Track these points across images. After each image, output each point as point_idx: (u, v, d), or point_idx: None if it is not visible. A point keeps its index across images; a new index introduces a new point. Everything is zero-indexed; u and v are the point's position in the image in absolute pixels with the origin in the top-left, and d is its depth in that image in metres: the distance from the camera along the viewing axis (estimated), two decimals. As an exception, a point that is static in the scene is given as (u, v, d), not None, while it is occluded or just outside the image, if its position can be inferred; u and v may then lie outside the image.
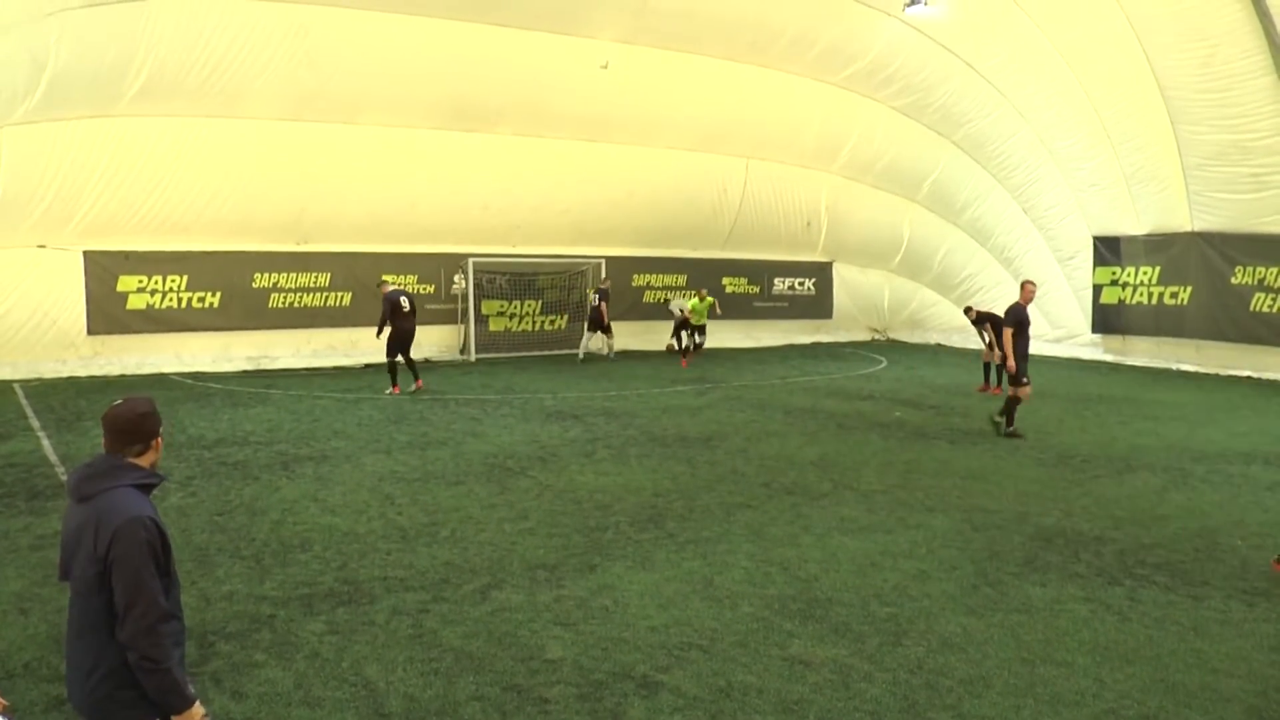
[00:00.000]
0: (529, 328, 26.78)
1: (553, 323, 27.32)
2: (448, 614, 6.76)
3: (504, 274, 26.13)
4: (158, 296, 22.33)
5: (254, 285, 23.51)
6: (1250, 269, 23.15)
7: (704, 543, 8.50)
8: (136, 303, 22.09)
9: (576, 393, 18.73)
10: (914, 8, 23.26)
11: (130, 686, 3.40)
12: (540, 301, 26.99)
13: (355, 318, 24.59)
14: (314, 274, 24.25)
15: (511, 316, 26.56)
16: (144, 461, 3.61)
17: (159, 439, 3.70)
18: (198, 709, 3.46)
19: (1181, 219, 24.32)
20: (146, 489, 3.57)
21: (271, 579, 7.48)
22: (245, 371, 21.69)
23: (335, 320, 24.50)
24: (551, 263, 26.94)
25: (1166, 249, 24.96)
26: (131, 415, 3.59)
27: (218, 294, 22.99)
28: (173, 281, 22.43)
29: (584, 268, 27.22)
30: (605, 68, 23.54)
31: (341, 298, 24.60)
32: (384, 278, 21.95)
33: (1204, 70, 21.47)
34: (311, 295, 24.17)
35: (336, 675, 5.78)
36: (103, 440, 3.63)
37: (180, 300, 22.54)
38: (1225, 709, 5.51)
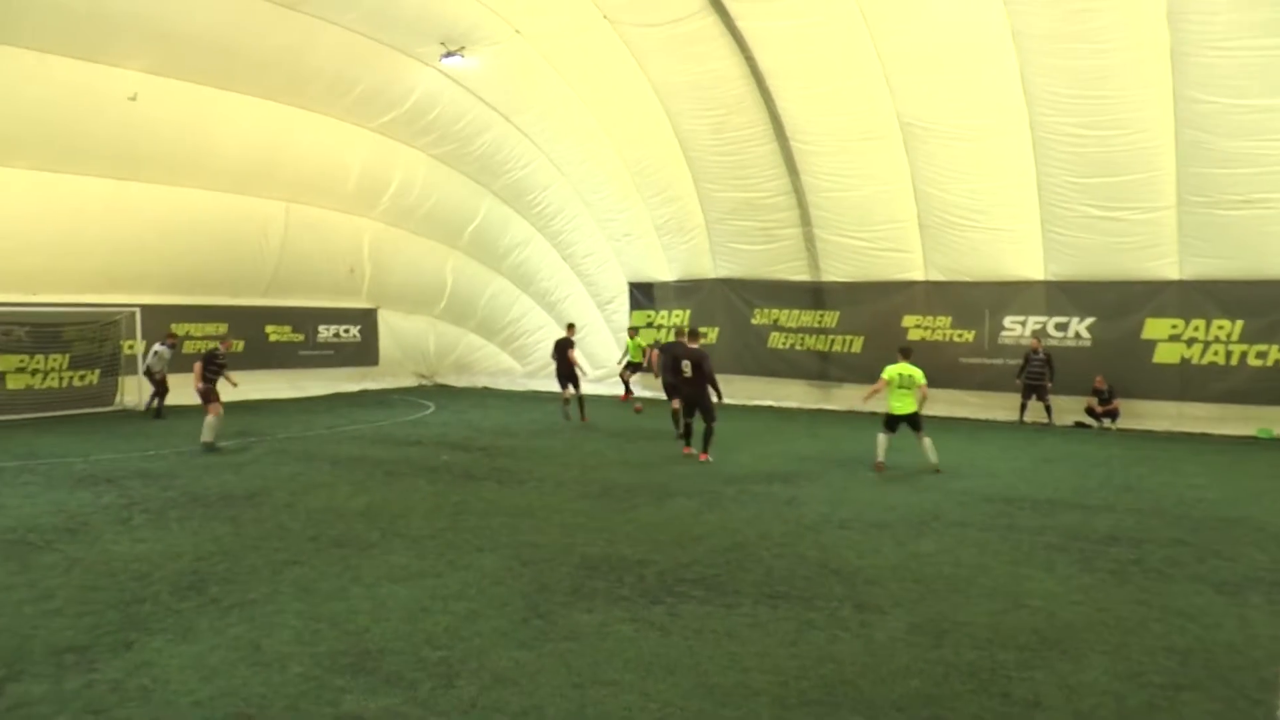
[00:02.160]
0: (55, 384, 24.50)
1: (83, 378, 25.14)
2: (-47, 716, 6.07)
3: (23, 325, 23.78)
4: None
5: None
6: (767, 311, 25.66)
7: (250, 605, 8.17)
8: None
9: (111, 454, 17.42)
10: (450, 59, 23.81)
11: None
12: (68, 355, 24.75)
13: None
14: None
15: (34, 373, 24.15)
16: None
17: None
18: None
19: (707, 266, 26.48)
20: None
21: None
22: None
23: None
24: (80, 312, 24.82)
25: (695, 293, 27.02)
26: None
27: None
28: None
29: (117, 317, 25.36)
30: (134, 99, 22.17)
31: None
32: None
33: (718, 135, 23.66)
34: None
35: None
36: None
37: None
38: (755, 702, 6.08)
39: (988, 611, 7.85)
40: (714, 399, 16.46)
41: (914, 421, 15.20)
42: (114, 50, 21.47)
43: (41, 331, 24.04)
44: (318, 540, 10.54)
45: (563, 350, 21.47)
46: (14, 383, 23.52)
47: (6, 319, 23.24)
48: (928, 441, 15.12)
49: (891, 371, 15.23)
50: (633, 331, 26.50)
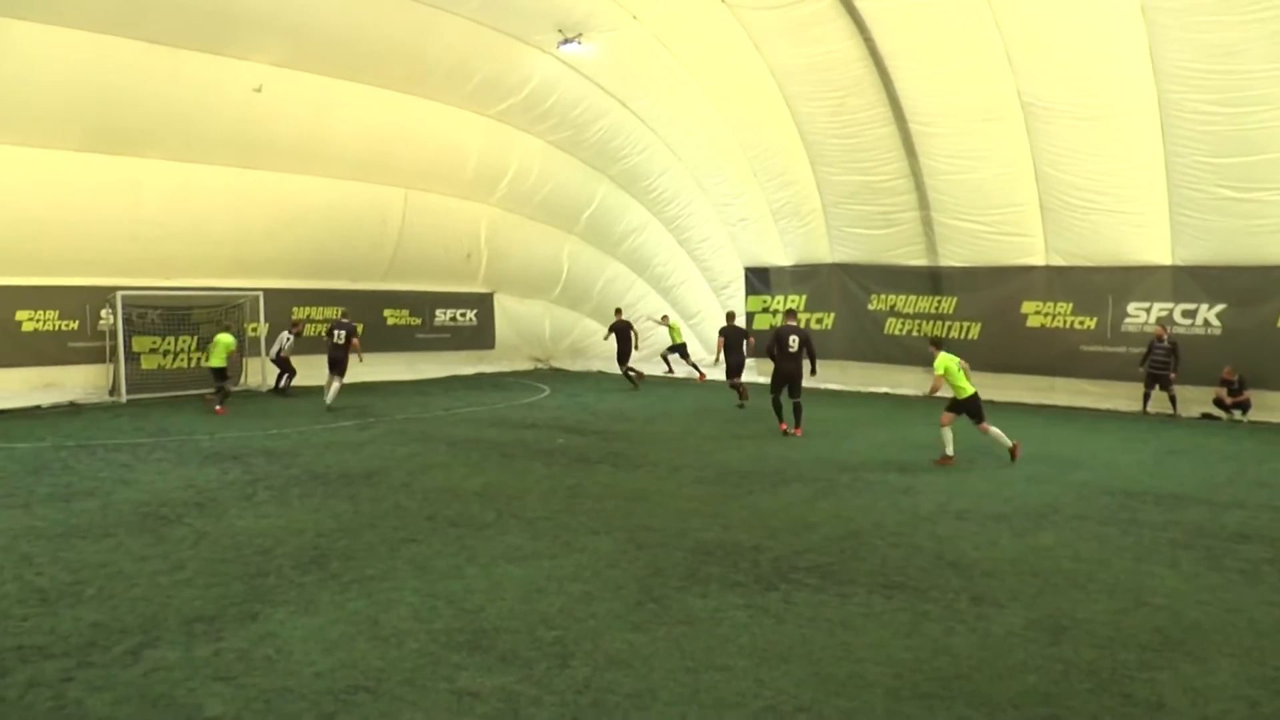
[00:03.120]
0: (184, 365, 25.36)
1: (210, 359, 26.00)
2: (94, 680, 6.29)
3: (156, 308, 24.66)
4: None
5: None
6: (883, 296, 25.32)
7: (369, 581, 8.36)
8: None
9: (236, 433, 17.96)
10: (568, 45, 23.95)
11: None
12: (196, 337, 25.61)
13: (-18, 357, 22.62)
14: (-67, 311, 22.09)
15: (165, 354, 25.07)
16: None
17: None
18: None
19: (823, 251, 26.22)
20: None
21: (-123, 659, 6.72)
22: None
23: (-41, 362, 22.41)
24: (207, 296, 25.67)
25: (811, 279, 26.80)
26: None
27: None
28: None
29: (241, 301, 26.16)
30: (259, 91, 22.83)
31: (-33, 337, 22.54)
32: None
33: (835, 118, 23.35)
34: (-63, 335, 22.02)
35: (-40, 761, 5.30)
36: None
37: None
38: (869, 693, 6.00)
39: (1108, 609, 7.65)
40: (809, 374, 17.80)
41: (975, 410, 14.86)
42: (241, 44, 22.10)
43: (172, 314, 24.94)
44: (434, 519, 10.73)
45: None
46: (147, 363, 24.43)
47: (141, 302, 24.13)
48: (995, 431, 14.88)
49: (948, 361, 14.92)
50: (664, 319, 29.47)
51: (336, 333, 21.49)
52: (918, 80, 21.52)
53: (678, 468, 14.07)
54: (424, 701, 5.91)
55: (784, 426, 17.58)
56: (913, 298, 25.00)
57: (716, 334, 22.90)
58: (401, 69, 24.72)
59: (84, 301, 23.86)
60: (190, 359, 25.41)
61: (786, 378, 17.69)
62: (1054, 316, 22.75)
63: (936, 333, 22.83)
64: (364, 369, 23.91)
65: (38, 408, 21.50)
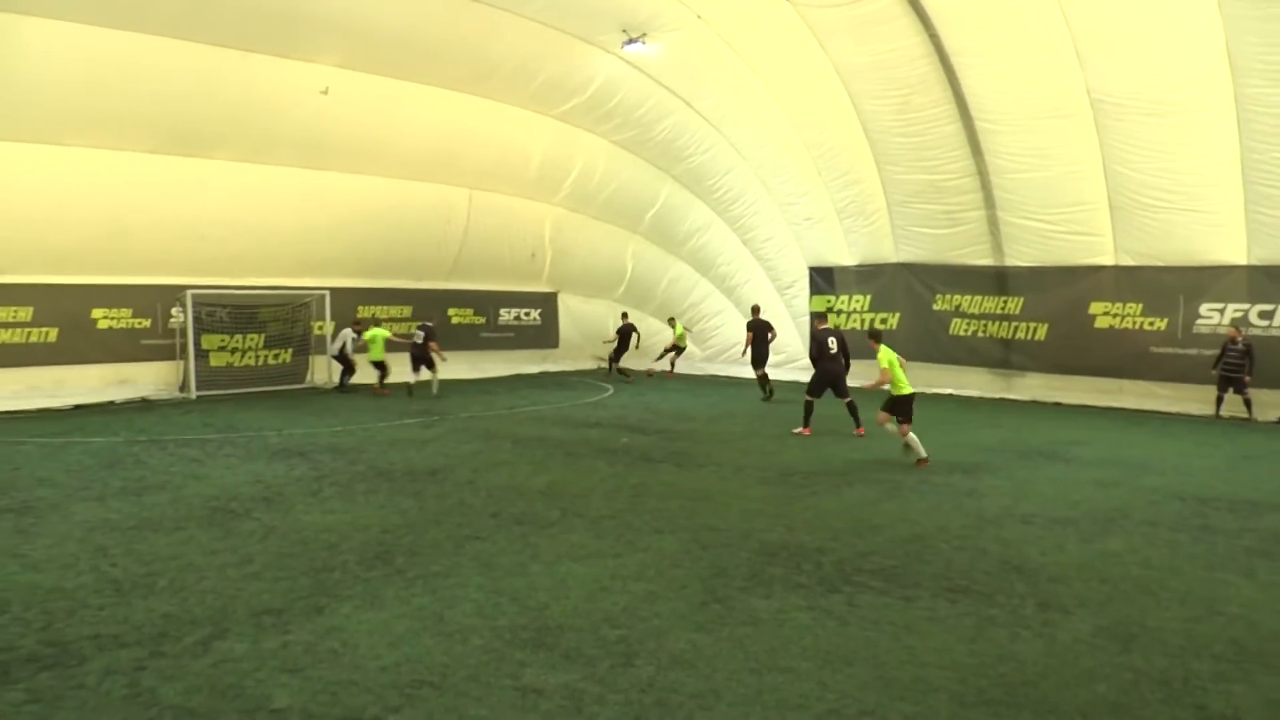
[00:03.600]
0: (252, 362, 25.79)
1: (277, 356, 26.42)
2: (166, 669, 6.41)
3: (225, 306, 25.09)
4: None
5: (-57, 320, 21.74)
6: (948, 297, 25.03)
7: (433, 577, 8.42)
8: None
9: (302, 429, 18.20)
10: (632, 45, 23.97)
11: None
12: (263, 335, 26.05)
13: (62, 355, 23.15)
14: (14, 308, 22.54)
15: (234, 351, 25.48)
16: None
17: None
18: None
19: (888, 251, 26.02)
20: None
21: (-40, 646, 6.91)
22: (-66, 417, 19.98)
23: (39, 358, 22.88)
24: (274, 295, 26.09)
25: (876, 278, 26.62)
26: None
27: (-105, 332, 21.12)
28: None
29: (308, 299, 26.52)
30: (326, 93, 23.13)
31: (46, 334, 23.02)
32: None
33: (900, 116, 23.16)
34: (10, 331, 22.50)
35: (40, 744, 5.42)
36: None
37: None
38: (933, 698, 5.94)
39: (1180, 617, 7.49)
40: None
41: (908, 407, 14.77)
42: (308, 47, 22.43)
43: (240, 313, 25.35)
44: (499, 517, 10.78)
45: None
46: (216, 360, 24.82)
47: (210, 301, 24.55)
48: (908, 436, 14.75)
49: (892, 355, 15.00)
50: (671, 320, 30.92)
51: (417, 333, 24.34)
52: (984, 77, 21.30)
53: (741, 468, 14.04)
54: (488, 698, 5.95)
55: (806, 430, 17.62)
56: (978, 298, 24.73)
57: (745, 328, 24.84)
58: (465, 70, 24.89)
59: (155, 300, 24.38)
60: (258, 356, 25.81)
61: (830, 379, 18.03)
62: (1123, 317, 22.39)
63: (1003, 335, 22.63)
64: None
65: (111, 403, 21.96)
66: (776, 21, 22.60)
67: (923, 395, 23.67)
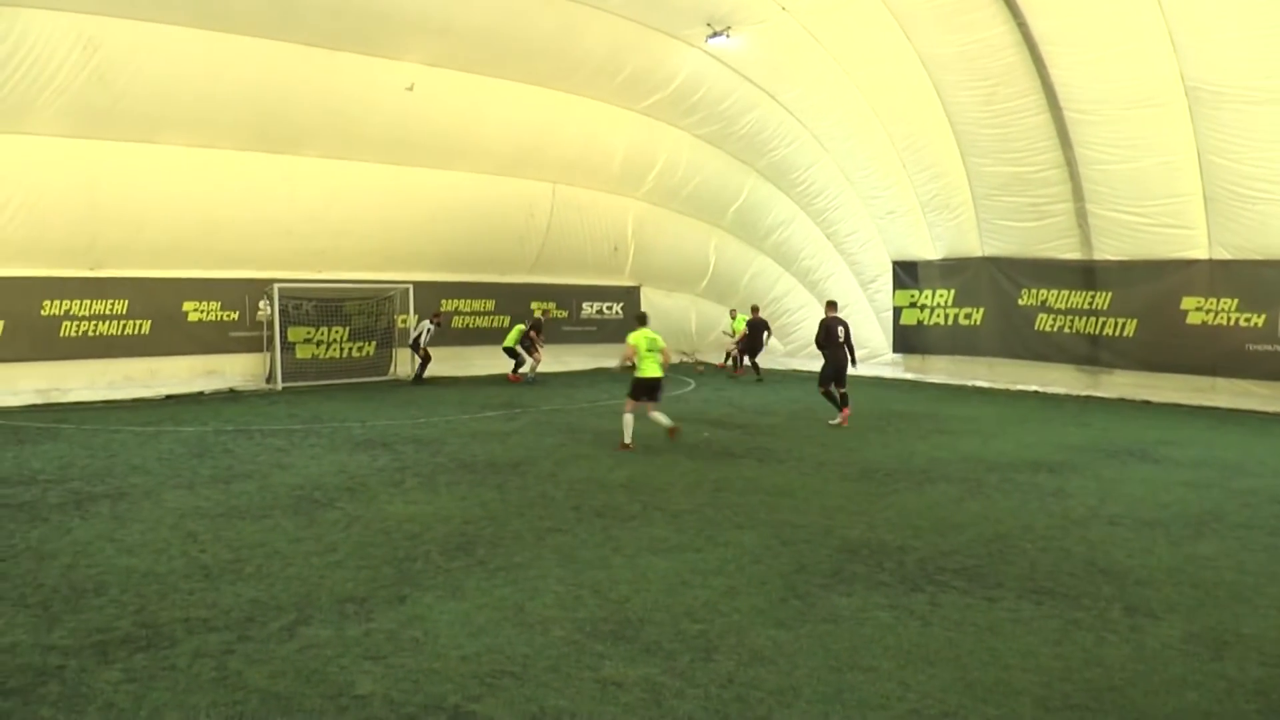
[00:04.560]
0: (336, 354, 26.20)
1: (361, 349, 26.80)
2: (253, 653, 6.54)
3: (310, 300, 25.51)
4: (-69, 326, 21.07)
5: (43, 313, 22.27)
6: (1034, 291, 24.57)
7: (515, 569, 8.48)
8: (-95, 332, 20.82)
9: (385, 420, 18.43)
10: (716, 39, 23.89)
11: None
12: (348, 328, 26.46)
13: (155, 347, 23.69)
14: (110, 301, 23.14)
15: (318, 343, 25.93)
16: None
17: None
18: None
19: (973, 244, 25.61)
20: None
21: (61, 627, 7.09)
22: (33, 405, 20.43)
23: (133, 349, 23.45)
24: (359, 288, 26.47)
25: (960, 273, 26.22)
26: None
27: (0, 323, 21.75)
28: (-51, 309, 21.21)
29: (391, 293, 26.86)
30: (411, 90, 23.38)
31: (140, 326, 23.59)
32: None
33: (987, 107, 22.76)
34: (107, 323, 23.07)
35: (134, 724, 5.55)
36: None
37: (-43, 329, 21.30)
38: (1016, 701, 5.82)
39: (1278, 625, 7.28)
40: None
41: (655, 390, 15.54)
42: (394, 45, 22.71)
43: (325, 306, 25.76)
44: (580, 510, 10.83)
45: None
46: (302, 353, 25.26)
47: (296, 294, 24.98)
48: (658, 415, 15.53)
49: (638, 337, 15.41)
50: (732, 312, 30.37)
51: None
52: (1073, 66, 20.85)
53: (822, 464, 13.94)
54: (568, 689, 5.97)
55: (844, 416, 18.11)
56: (1065, 292, 24.22)
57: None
58: (549, 65, 25.00)
59: (244, 293, 24.86)
60: (342, 349, 26.22)
61: (838, 366, 18.22)
62: (1217, 313, 21.76)
63: (1091, 331, 22.19)
64: (510, 362, 25.78)
65: (201, 394, 22.47)
66: (862, 12, 22.38)
67: (1006, 392, 23.53)
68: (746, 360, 28.06)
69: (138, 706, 5.75)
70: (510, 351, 26.59)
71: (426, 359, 25.99)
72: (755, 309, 29.28)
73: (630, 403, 15.34)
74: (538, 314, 29.30)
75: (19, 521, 10.27)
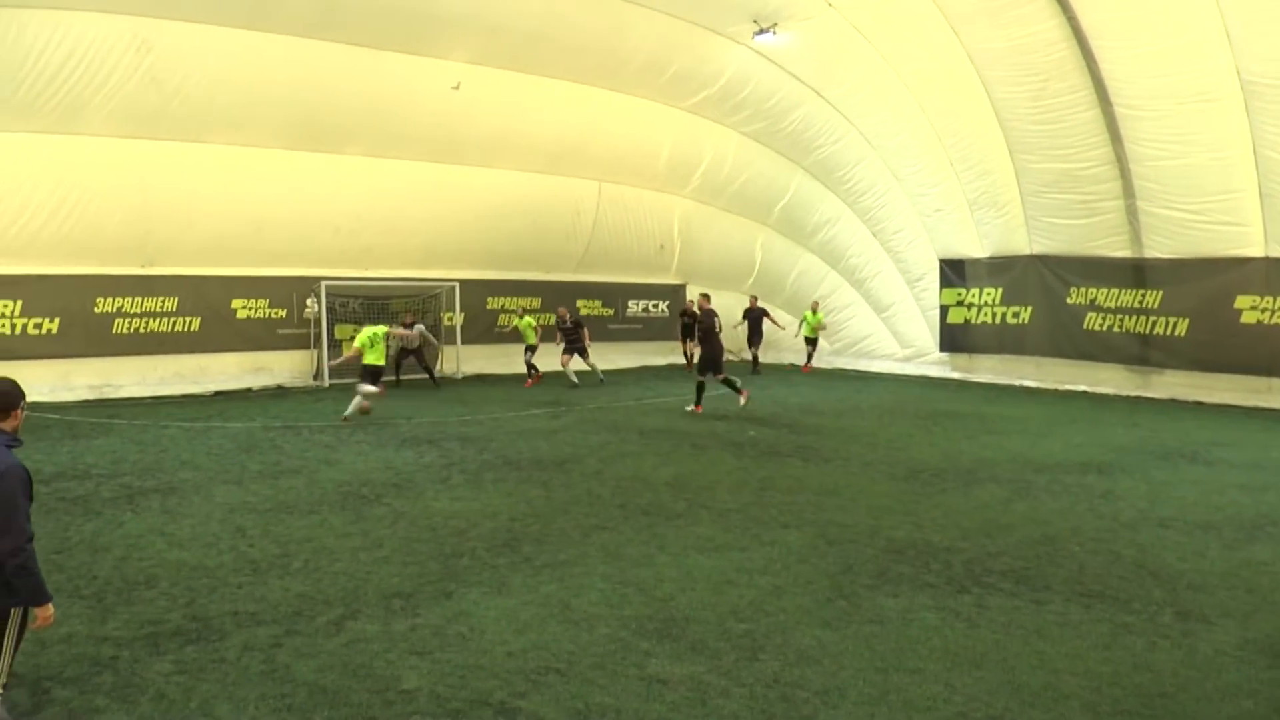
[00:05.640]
0: (383, 352, 26.36)
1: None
2: (301, 647, 6.61)
3: (357, 298, 25.70)
4: (-11, 322, 21.42)
5: (96, 310, 22.55)
6: (1083, 290, 24.22)
7: (560, 566, 8.50)
8: (-37, 329, 21.16)
9: (431, 417, 18.54)
10: (763, 36, 23.79)
11: (5, 584, 4.79)
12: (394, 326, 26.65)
13: (204, 344, 23.91)
14: (160, 298, 23.39)
15: (365, 341, 26.14)
16: (7, 426, 5.00)
17: (19, 411, 5.07)
18: (51, 608, 5.00)
19: (1021, 242, 25.31)
20: (11, 446, 4.94)
21: (114, 619, 7.22)
22: (86, 401, 20.78)
23: (183, 346, 23.68)
24: (405, 286, 26.63)
25: (1008, 271, 25.93)
26: None
27: (56, 320, 21.98)
28: (6, 306, 21.42)
29: (437, 291, 26.99)
30: (457, 89, 23.47)
31: (190, 323, 23.84)
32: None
33: (1036, 103, 22.47)
34: (157, 320, 23.33)
35: (184, 717, 5.60)
36: None
37: (14, 326, 21.50)
38: (1065, 706, 5.77)
39: (1337, 630, 7.13)
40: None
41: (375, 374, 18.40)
42: (440, 44, 22.77)
43: (372, 303, 25.92)
44: (625, 508, 10.84)
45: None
46: (348, 350, 25.33)
47: (343, 292, 25.16)
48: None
49: (364, 335, 18.56)
50: (815, 305, 29.72)
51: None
52: (1124, 61, 20.54)
53: (869, 463, 13.87)
54: (613, 686, 5.98)
55: (745, 396, 19.47)
56: (1114, 291, 23.87)
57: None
58: (595, 63, 25.01)
59: (291, 291, 25.05)
60: (389, 346, 26.33)
61: (715, 357, 19.37)
62: (1273, 312, 21.36)
63: (1141, 330, 21.91)
64: (556, 358, 25.53)
65: (249, 390, 22.71)
66: (909, 7, 22.18)
67: (1054, 392, 23.29)
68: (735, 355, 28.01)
69: (188, 698, 5.83)
70: (532, 349, 25.79)
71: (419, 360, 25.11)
72: (754, 299, 29.64)
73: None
74: (581, 311, 29.36)
75: (74, 515, 10.44)
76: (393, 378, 23.89)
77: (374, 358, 18.67)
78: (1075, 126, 22.20)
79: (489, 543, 9.29)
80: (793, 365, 30.85)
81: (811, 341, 29.41)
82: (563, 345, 25.51)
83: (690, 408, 19.57)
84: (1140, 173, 21.64)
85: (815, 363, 29.71)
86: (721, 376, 19.37)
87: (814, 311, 29.18)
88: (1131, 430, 17.45)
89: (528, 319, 25.89)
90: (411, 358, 24.76)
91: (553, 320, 26.83)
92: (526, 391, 23.28)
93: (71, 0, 18.83)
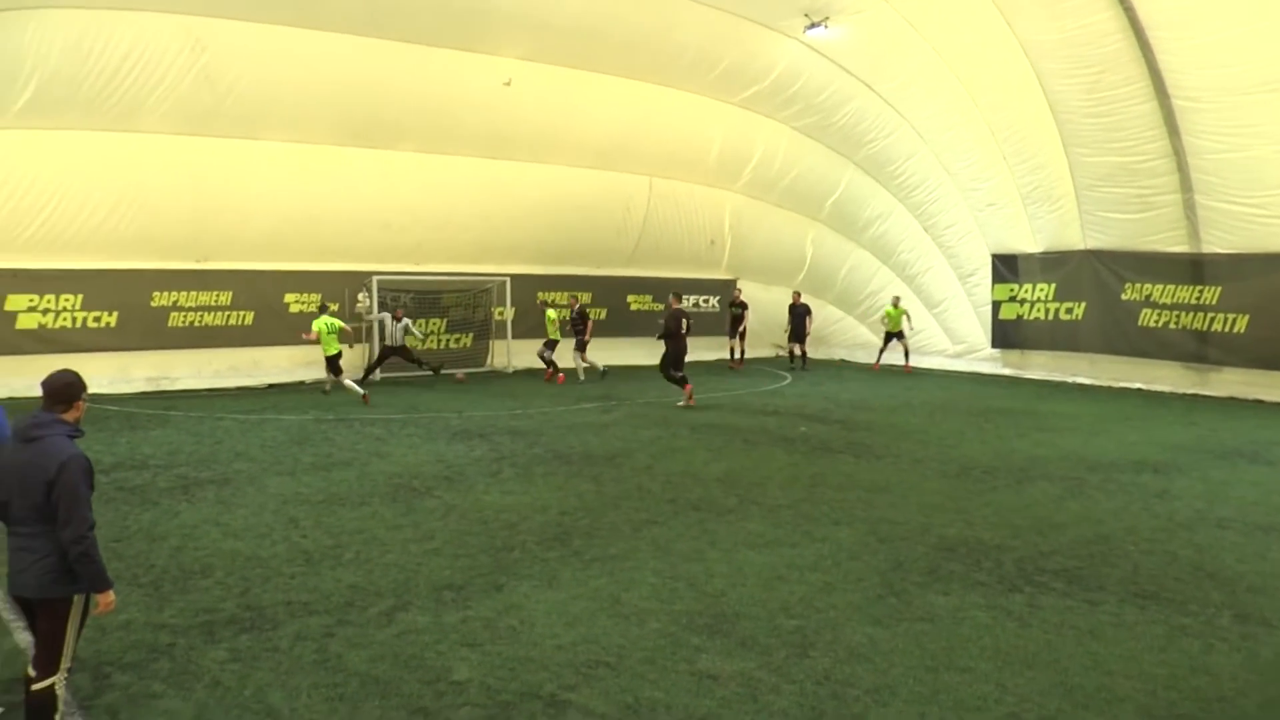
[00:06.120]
0: (434, 346, 26.52)
1: (458, 341, 27.11)
2: (353, 638, 6.68)
3: (409, 292, 25.86)
4: (50, 316, 21.64)
5: (152, 304, 22.85)
6: (1138, 286, 23.87)
7: (610, 560, 8.52)
8: (27, 322, 21.39)
9: (482, 411, 18.63)
10: (814, 30, 23.64)
11: (69, 571, 4.92)
12: (445, 320, 26.81)
13: (257, 337, 24.17)
14: (215, 292, 23.67)
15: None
16: (70, 417, 5.14)
17: (81, 402, 5.20)
18: (113, 593, 5.11)
19: (1075, 237, 24.99)
20: (73, 436, 5.09)
21: (171, 606, 7.33)
22: (144, 393, 21.10)
23: (237, 340, 23.95)
24: (456, 281, 26.76)
25: (1061, 266, 25.62)
26: (61, 383, 5.15)
27: (114, 313, 22.31)
28: (66, 300, 21.78)
29: (489, 285, 27.11)
30: (508, 85, 23.55)
31: (243, 317, 24.11)
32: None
33: (1091, 95, 22.14)
34: (212, 314, 23.60)
35: (239, 704, 5.68)
36: (41, 401, 5.11)
37: (75, 319, 21.89)
38: (1119, 709, 5.69)
39: (1403, 635, 6.97)
40: None
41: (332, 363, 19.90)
42: (490, 40, 22.84)
43: (424, 298, 26.09)
44: (676, 503, 10.84)
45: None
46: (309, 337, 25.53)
47: (394, 286, 25.34)
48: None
49: (320, 324, 20.09)
50: (896, 300, 28.42)
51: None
52: (1182, 51, 20.17)
53: (920, 460, 13.78)
54: (663, 680, 5.99)
55: (689, 395, 19.97)
56: (1171, 287, 23.51)
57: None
58: (645, 58, 24.98)
59: (343, 285, 25.23)
60: (440, 340, 26.54)
61: (679, 355, 20.26)
62: (1337, 308, 21.00)
63: (1199, 327, 21.60)
64: (606, 353, 25.71)
65: (301, 383, 22.91)
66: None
67: (1108, 389, 23.02)
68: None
69: (242, 685, 5.91)
70: (552, 344, 25.34)
71: (383, 357, 24.07)
72: (797, 294, 29.42)
73: None
74: (632, 307, 29.32)
75: (131, 504, 10.60)
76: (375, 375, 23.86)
77: (329, 347, 20.24)
78: (1131, 119, 21.87)
79: (539, 536, 9.33)
80: (844, 361, 30.72)
81: (897, 336, 28.12)
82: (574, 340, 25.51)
83: (681, 403, 19.88)
84: (1198, 166, 21.27)
85: (862, 358, 29.44)
86: (680, 375, 20.08)
87: (895, 305, 28.17)
88: (1188, 429, 17.20)
89: (550, 312, 25.55)
90: (396, 356, 23.86)
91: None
92: (576, 385, 23.32)
93: (128, 0, 19.11)
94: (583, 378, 24.98)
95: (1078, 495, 11.53)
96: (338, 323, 20.82)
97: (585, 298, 28.33)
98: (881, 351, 28.35)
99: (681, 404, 19.72)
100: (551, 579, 7.99)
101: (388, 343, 23.59)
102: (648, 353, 29.08)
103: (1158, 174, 22.14)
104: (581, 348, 25.26)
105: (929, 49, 23.99)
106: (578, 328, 25.25)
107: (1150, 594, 7.79)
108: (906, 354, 27.80)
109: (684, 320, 20.32)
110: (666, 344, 20.28)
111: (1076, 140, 23.29)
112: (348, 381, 20.38)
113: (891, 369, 27.91)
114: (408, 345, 23.56)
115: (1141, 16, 19.97)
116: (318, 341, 20.51)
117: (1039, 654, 6.49)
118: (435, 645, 6.54)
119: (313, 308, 24.53)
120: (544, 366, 25.36)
